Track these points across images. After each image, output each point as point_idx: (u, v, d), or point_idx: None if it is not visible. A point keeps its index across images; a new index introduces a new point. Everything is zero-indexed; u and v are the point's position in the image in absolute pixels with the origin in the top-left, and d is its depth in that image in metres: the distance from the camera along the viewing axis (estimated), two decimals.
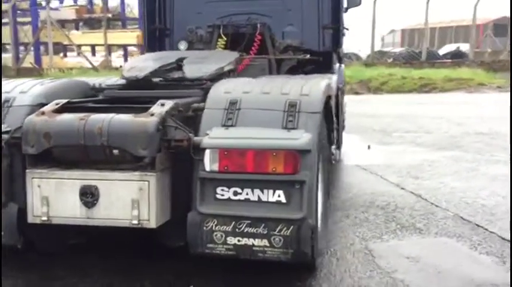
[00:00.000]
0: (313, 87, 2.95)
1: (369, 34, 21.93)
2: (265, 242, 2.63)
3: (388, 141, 7.77)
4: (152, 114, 2.66)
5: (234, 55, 4.34)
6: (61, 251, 3.24)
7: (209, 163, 2.61)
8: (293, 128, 2.70)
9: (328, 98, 3.33)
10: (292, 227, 2.60)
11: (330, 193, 3.67)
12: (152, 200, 2.63)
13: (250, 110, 2.81)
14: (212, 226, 2.65)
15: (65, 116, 2.71)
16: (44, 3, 23.60)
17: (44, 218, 2.69)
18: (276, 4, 5.91)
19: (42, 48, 23.68)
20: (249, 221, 2.63)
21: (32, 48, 22.83)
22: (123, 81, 3.80)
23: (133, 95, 3.45)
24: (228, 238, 2.66)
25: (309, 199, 2.59)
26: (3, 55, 19.91)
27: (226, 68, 3.95)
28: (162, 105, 2.78)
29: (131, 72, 3.72)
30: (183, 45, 5.94)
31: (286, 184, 2.60)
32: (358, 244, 3.51)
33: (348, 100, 7.59)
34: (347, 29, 6.76)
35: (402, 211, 4.26)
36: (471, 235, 3.66)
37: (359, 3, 7.22)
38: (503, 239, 3.55)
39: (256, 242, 2.64)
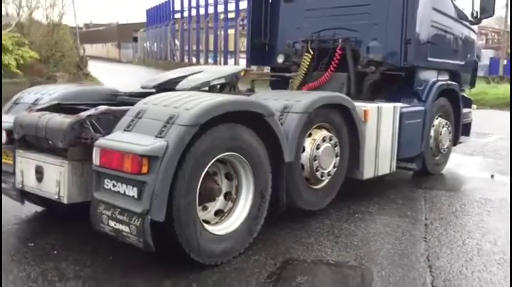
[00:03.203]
0: (201, 103, 3.27)
1: None
2: (128, 229, 3.14)
3: None
4: (77, 116, 3.48)
5: (236, 69, 4.68)
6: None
7: (95, 158, 3.27)
8: (160, 137, 3.13)
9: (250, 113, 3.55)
10: (140, 219, 3.06)
11: (266, 196, 3.77)
12: (66, 182, 3.45)
13: (146, 119, 3.34)
14: (101, 209, 3.29)
15: (33, 114, 3.77)
16: None
17: (20, 185, 3.80)
18: (363, 19, 5.88)
19: None
20: (119, 210, 3.18)
21: None
22: (142, 90, 4.69)
23: (127, 101, 4.30)
24: (110, 221, 3.26)
25: (151, 197, 2.99)
26: None
27: (215, 82, 4.40)
28: (96, 109, 3.56)
29: (147, 83, 4.58)
30: (280, 58, 6.49)
31: (137, 182, 3.06)
32: None
33: None
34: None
35: None
36: None
37: (492, 14, 6.47)
38: None
39: (124, 228, 3.17)
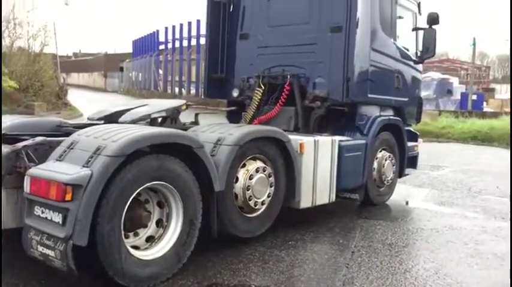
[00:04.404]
0: (128, 135, 3.55)
1: None
2: (53, 253, 3.36)
3: None
4: (14, 146, 3.73)
5: (178, 103, 4.98)
6: None
7: (26, 186, 3.50)
8: (86, 166, 3.38)
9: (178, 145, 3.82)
10: (63, 244, 3.28)
11: (195, 224, 4.01)
12: (3, 208, 3.67)
13: (77, 149, 3.60)
14: (31, 235, 3.51)
15: None
16: None
17: None
18: (310, 57, 6.26)
19: None
20: (46, 235, 3.41)
21: None
22: (88, 122, 4.96)
23: (71, 132, 4.55)
24: (38, 246, 3.47)
25: (74, 223, 3.22)
26: None
27: (156, 115, 4.70)
28: (33, 140, 3.82)
29: (93, 115, 4.86)
30: (235, 92, 6.84)
31: (61, 208, 3.30)
32: None
33: None
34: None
35: None
36: None
37: (434, 54, 6.93)
38: None
39: (50, 252, 3.39)
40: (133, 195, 3.62)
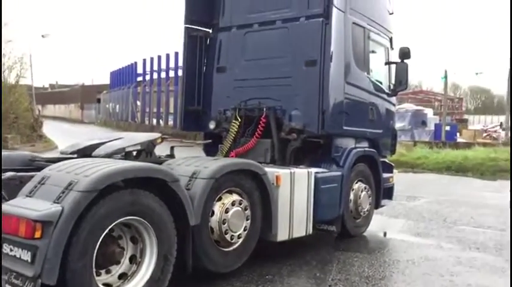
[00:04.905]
0: (100, 169, 3.50)
1: None
2: None
3: None
4: None
5: (153, 136, 4.95)
6: None
7: None
8: (57, 202, 3.31)
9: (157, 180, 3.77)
10: (32, 283, 3.18)
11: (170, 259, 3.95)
12: None
13: (48, 185, 3.54)
14: (1, 273, 3.40)
15: None
16: None
17: None
18: (286, 90, 6.32)
19: None
20: (15, 274, 3.30)
21: None
22: (61, 156, 4.89)
23: (44, 166, 4.47)
24: (7, 286, 3.36)
25: (43, 261, 3.13)
26: None
27: (131, 148, 4.66)
28: (3, 175, 3.73)
29: (66, 149, 4.80)
30: (212, 124, 6.84)
31: (31, 246, 3.20)
32: None
33: None
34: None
35: None
36: None
37: (406, 87, 7.08)
38: None
39: None
40: (106, 231, 3.55)
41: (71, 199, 3.31)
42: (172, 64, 32.01)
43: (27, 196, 3.53)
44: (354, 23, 6.33)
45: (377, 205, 7.14)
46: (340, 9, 6.06)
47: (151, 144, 4.99)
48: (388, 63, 7.31)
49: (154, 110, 34.46)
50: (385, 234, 7.08)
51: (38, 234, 3.18)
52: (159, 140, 5.06)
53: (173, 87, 31.52)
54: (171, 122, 31.37)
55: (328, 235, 6.50)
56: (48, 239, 3.18)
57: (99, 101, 50.44)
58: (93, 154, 4.61)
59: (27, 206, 3.34)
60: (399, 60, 6.97)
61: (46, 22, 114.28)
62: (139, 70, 37.76)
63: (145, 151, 4.93)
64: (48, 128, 23.92)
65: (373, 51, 6.91)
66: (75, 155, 4.86)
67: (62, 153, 4.89)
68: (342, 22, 6.11)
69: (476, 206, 9.41)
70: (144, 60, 36.05)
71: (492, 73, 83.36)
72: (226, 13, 6.96)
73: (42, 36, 35.22)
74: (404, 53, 6.88)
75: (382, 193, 7.18)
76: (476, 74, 34.02)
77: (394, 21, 7.62)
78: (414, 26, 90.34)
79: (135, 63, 38.40)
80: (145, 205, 3.78)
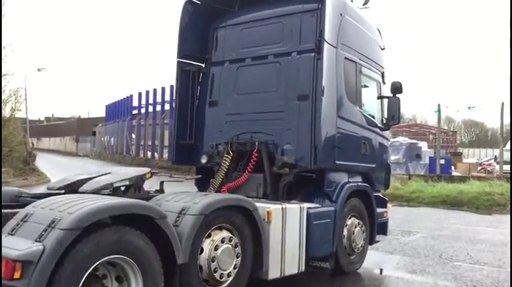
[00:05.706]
0: (85, 206, 3.41)
1: None
2: None
3: None
4: None
5: (142, 171, 4.88)
6: None
7: None
8: (39, 241, 3.21)
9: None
10: None
11: None
12: None
13: (31, 222, 3.44)
14: None
15: None
16: None
17: None
18: (278, 124, 6.29)
19: None
20: None
21: None
22: (48, 191, 4.79)
23: (30, 202, 4.37)
24: None
25: None
26: None
27: (118, 184, 4.57)
28: None
29: (53, 184, 4.70)
30: (204, 159, 6.77)
31: None
32: None
33: None
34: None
35: None
36: None
37: (399, 121, 7.08)
38: None
39: None
40: (90, 270, 3.43)
41: (53, 237, 3.21)
42: (167, 97, 32.18)
43: (9, 234, 3.42)
44: (345, 58, 6.37)
45: (371, 240, 7.01)
46: (331, 45, 6.09)
47: (140, 179, 4.90)
48: (380, 97, 7.33)
49: (149, 143, 34.44)
50: (381, 271, 6.92)
51: (17, 275, 3.07)
52: (149, 175, 4.98)
53: (168, 121, 31.59)
54: (166, 155, 31.27)
55: (322, 272, 6.35)
56: (27, 280, 3.06)
57: (94, 133, 50.46)
58: (80, 189, 4.52)
59: (8, 245, 3.22)
60: (391, 95, 6.99)
61: (42, 56, 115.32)
62: (135, 103, 37.96)
63: (134, 186, 4.84)
64: (42, 161, 23.77)
65: (365, 86, 6.93)
66: (62, 191, 4.77)
67: (48, 188, 4.79)
68: (334, 57, 6.14)
69: (472, 242, 9.28)
70: (140, 93, 36.29)
71: (485, 107, 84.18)
72: (219, 48, 7.01)
73: (38, 69, 35.44)
74: (396, 88, 6.91)
75: (377, 228, 7.07)
76: (469, 108, 34.18)
77: (386, 57, 7.69)
78: (407, 61, 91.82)
79: (131, 96, 38.61)
80: (130, 243, 3.67)
